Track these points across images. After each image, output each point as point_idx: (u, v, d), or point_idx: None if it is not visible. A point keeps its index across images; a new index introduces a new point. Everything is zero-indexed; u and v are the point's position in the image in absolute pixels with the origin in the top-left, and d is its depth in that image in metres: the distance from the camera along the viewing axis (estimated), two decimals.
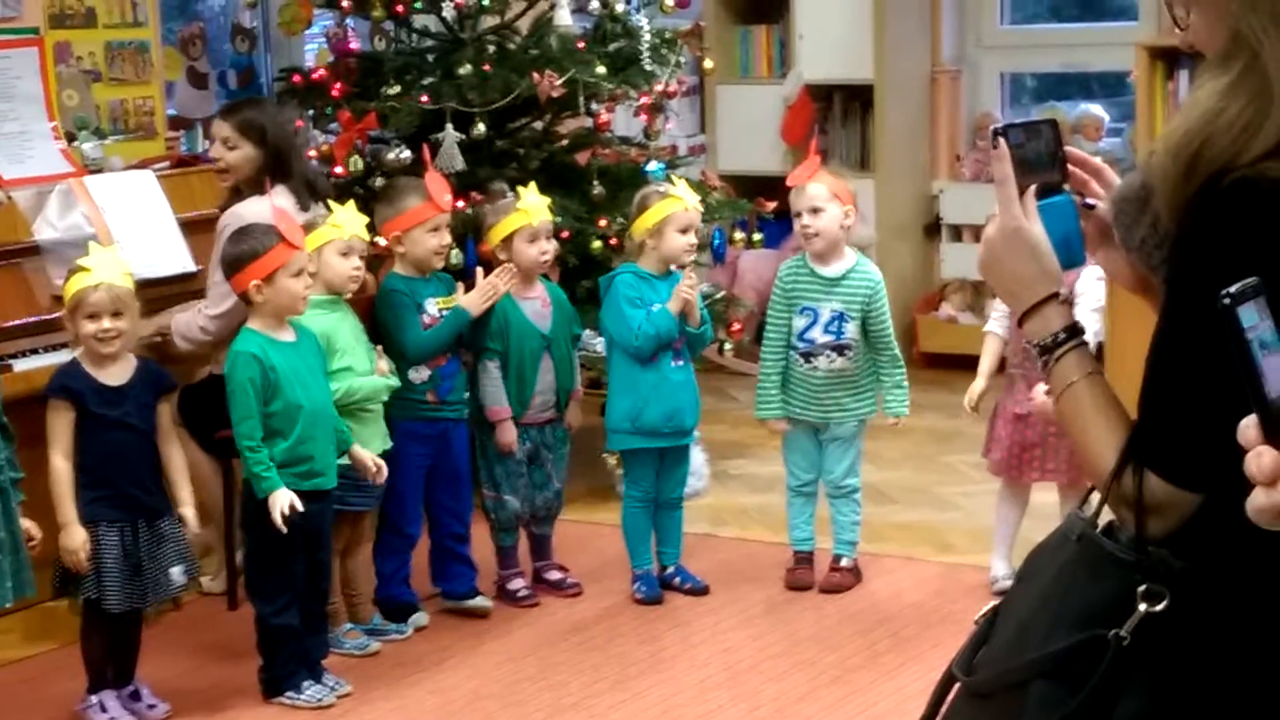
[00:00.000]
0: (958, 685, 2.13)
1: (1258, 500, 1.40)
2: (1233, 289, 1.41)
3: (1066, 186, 2.18)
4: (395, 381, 5.20)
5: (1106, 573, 1.93)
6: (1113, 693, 1.89)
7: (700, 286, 5.65)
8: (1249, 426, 1.40)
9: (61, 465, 4.62)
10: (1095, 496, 2.01)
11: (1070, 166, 2.22)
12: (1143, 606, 1.88)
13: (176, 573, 4.76)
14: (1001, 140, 2.12)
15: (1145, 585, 1.89)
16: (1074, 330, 2.05)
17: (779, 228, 7.96)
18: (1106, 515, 1.99)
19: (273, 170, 5.49)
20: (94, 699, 4.76)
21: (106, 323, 4.64)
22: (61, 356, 5.08)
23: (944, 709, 2.16)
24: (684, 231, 5.53)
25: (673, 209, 5.51)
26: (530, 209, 5.54)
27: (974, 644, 2.13)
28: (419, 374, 5.37)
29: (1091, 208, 2.20)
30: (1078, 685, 1.90)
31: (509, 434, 5.47)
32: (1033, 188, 2.11)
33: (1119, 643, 1.88)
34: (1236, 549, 1.78)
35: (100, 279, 4.64)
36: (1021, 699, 1.95)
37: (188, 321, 5.48)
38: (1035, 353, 2.07)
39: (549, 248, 5.58)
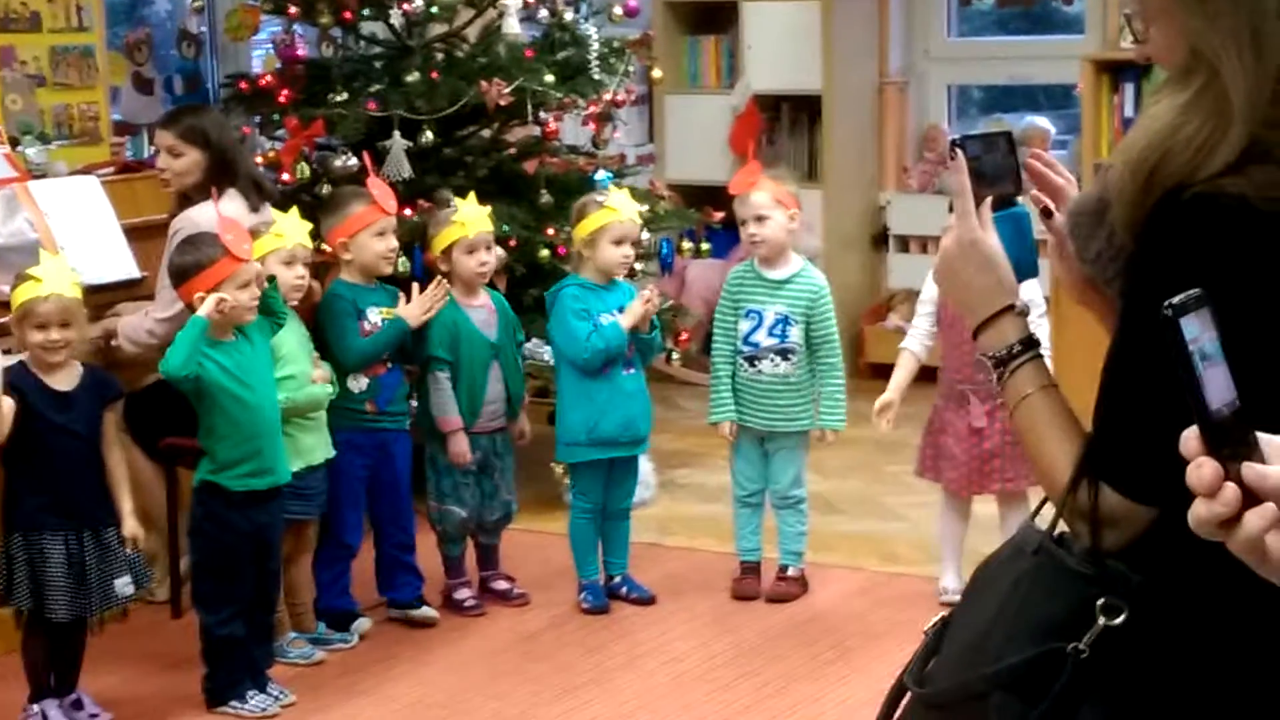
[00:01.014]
0: (909, 696, 2.12)
1: (1198, 511, 1.40)
2: (1175, 300, 1.41)
3: (1021, 199, 2.18)
4: (331, 390, 5.18)
5: (1064, 586, 1.93)
6: (1072, 705, 1.89)
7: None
8: (1190, 438, 1.41)
9: None
10: (1049, 509, 2.01)
11: (1042, 170, 2.23)
12: (1101, 620, 1.88)
13: (121, 583, 4.72)
14: (959, 152, 2.12)
15: (1103, 599, 1.89)
16: (1030, 343, 2.05)
17: (727, 237, 7.97)
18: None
19: (219, 173, 5.46)
20: (35, 708, 4.72)
21: (54, 333, 4.60)
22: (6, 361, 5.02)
23: (896, 719, 2.15)
24: (619, 243, 5.51)
25: (607, 220, 5.50)
26: (467, 220, 5.53)
27: (924, 654, 2.13)
28: (357, 383, 5.35)
29: (1050, 215, 2.20)
30: (1036, 698, 1.90)
31: (461, 444, 5.45)
32: (989, 199, 2.12)
33: (1078, 656, 1.88)
34: (1193, 563, 1.78)
35: (50, 289, 4.61)
36: (978, 711, 1.94)
37: (134, 325, 5.44)
38: (990, 365, 2.07)
39: (488, 258, 5.55)
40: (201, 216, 5.27)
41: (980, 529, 5.59)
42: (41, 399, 4.62)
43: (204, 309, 4.67)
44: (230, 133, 5.72)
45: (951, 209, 5.62)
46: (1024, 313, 2.09)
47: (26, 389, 4.60)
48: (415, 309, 5.36)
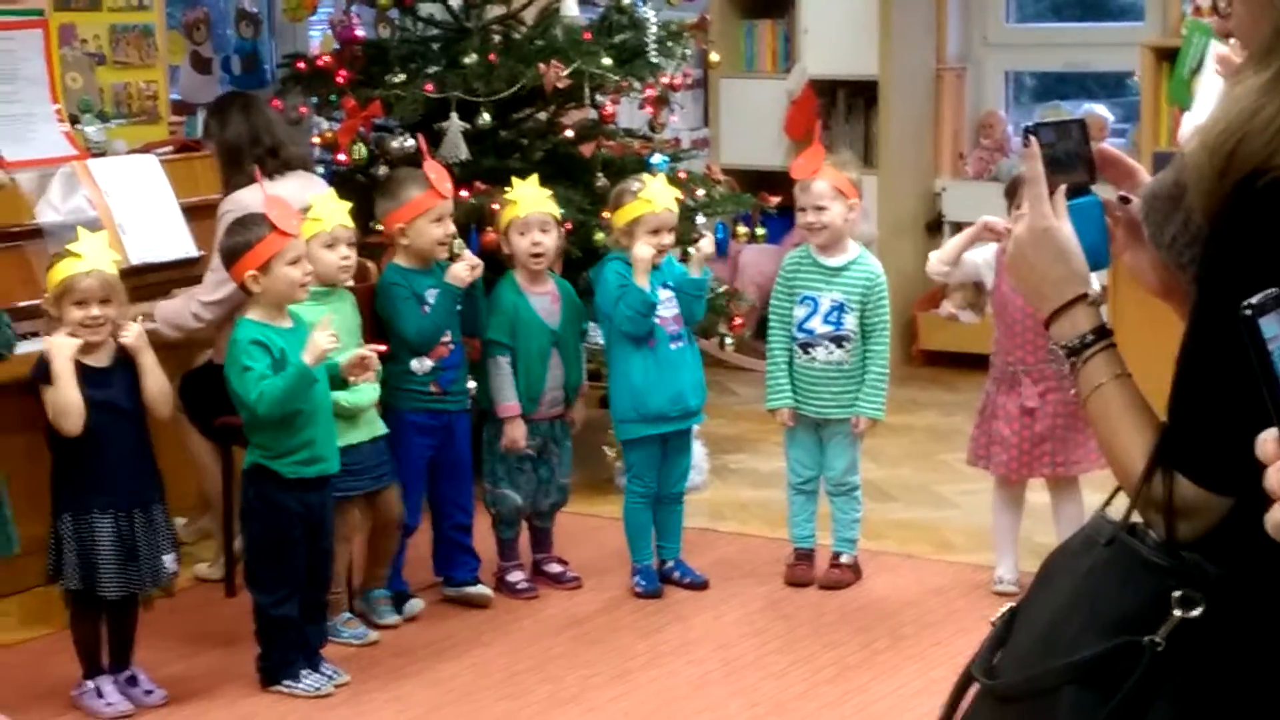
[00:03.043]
0: (976, 687, 2.10)
1: (1277, 517, 1.37)
2: (1254, 300, 1.38)
3: (1094, 188, 2.15)
4: (374, 394, 5.17)
5: (1139, 577, 1.90)
6: (1147, 699, 1.86)
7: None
8: (1268, 440, 1.38)
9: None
10: (1120, 499, 1.98)
11: (1117, 156, 2.20)
12: (1177, 612, 1.85)
13: (169, 560, 4.76)
14: (1033, 139, 2.10)
15: (1179, 591, 1.86)
16: (1102, 332, 2.03)
17: (781, 223, 7.94)
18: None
19: (230, 165, 5.55)
20: (90, 685, 4.74)
21: (95, 309, 4.61)
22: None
23: (962, 710, 2.12)
24: (655, 233, 5.49)
25: (641, 211, 5.49)
26: (519, 199, 5.52)
27: (992, 645, 2.10)
28: (421, 365, 5.35)
29: (1127, 201, 2.17)
30: (1110, 691, 1.87)
31: (518, 430, 5.46)
32: (1062, 188, 2.09)
33: (1154, 649, 1.86)
34: (1271, 555, 1.75)
35: (91, 265, 4.61)
36: (1051, 705, 1.92)
37: (177, 309, 5.45)
38: (1063, 354, 2.04)
39: (542, 239, 5.52)
40: (247, 198, 5.30)
41: (1035, 518, 5.56)
42: (83, 378, 4.62)
43: (310, 357, 4.65)
44: (235, 120, 5.68)
45: (1008, 195, 5.56)
46: (1096, 302, 2.07)
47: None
48: (460, 269, 5.31)
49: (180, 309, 5.43)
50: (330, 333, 4.69)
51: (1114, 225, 2.15)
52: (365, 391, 5.11)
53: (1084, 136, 2.16)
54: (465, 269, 5.33)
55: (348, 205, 5.22)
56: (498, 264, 5.65)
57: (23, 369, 5.00)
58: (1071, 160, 2.13)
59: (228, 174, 5.59)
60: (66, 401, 4.54)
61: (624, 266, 5.48)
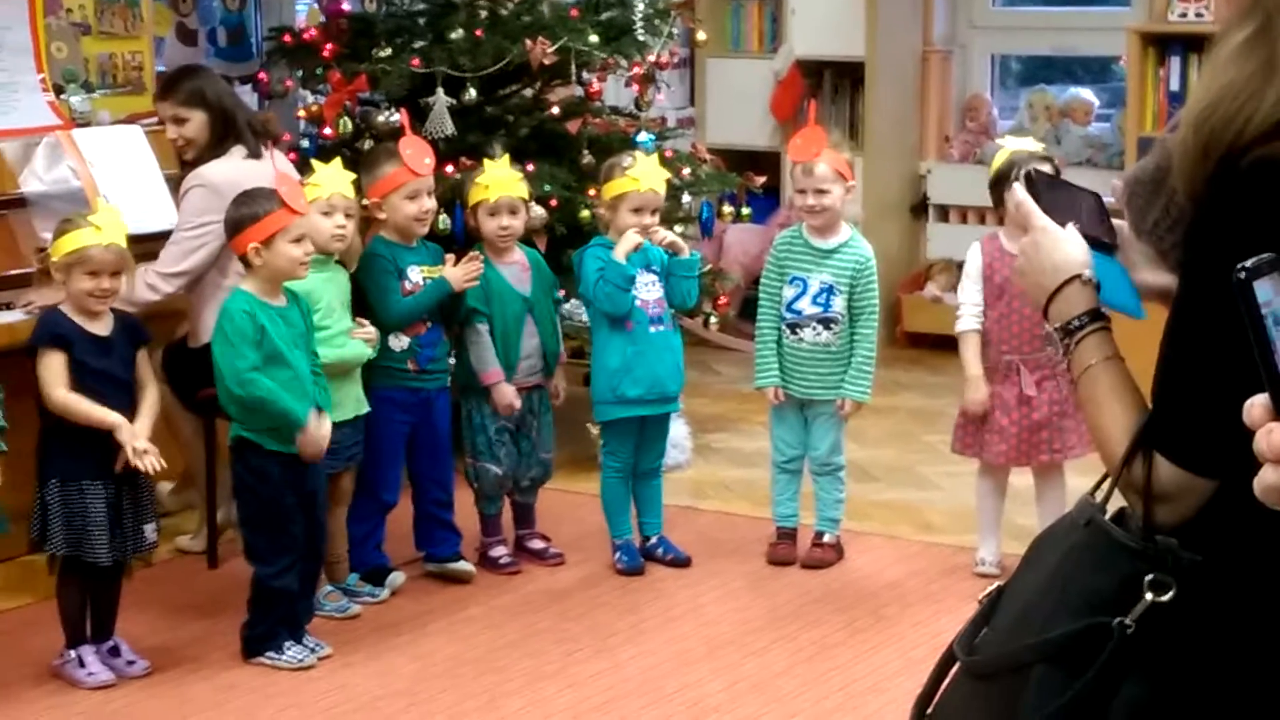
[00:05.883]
0: (957, 665, 2.11)
1: (1267, 479, 1.38)
2: (1248, 263, 1.39)
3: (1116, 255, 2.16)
4: (372, 350, 5.17)
5: (1113, 560, 1.91)
6: (1114, 680, 1.87)
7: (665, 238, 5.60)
8: (1256, 405, 1.38)
9: (67, 395, 4.58)
10: (1107, 482, 1.99)
11: None
12: (1149, 596, 1.86)
13: (149, 530, 4.77)
14: (1022, 175, 2.13)
15: (1152, 575, 1.87)
16: (1095, 314, 2.03)
17: (767, 202, 7.95)
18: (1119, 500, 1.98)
19: (223, 128, 5.49)
20: (72, 654, 4.74)
21: (106, 282, 4.65)
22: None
23: (944, 687, 2.14)
24: (637, 211, 5.49)
25: (627, 189, 5.49)
26: (490, 183, 5.50)
27: (976, 624, 2.11)
28: (399, 341, 5.35)
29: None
30: (1079, 671, 1.88)
31: (506, 394, 5.46)
32: (1074, 224, 2.10)
33: (1123, 631, 1.86)
34: (1246, 540, 1.76)
35: (109, 238, 4.65)
36: (1023, 682, 1.93)
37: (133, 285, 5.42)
38: (1057, 336, 2.04)
39: (510, 222, 5.51)
40: (213, 172, 5.32)
41: (1015, 500, 5.57)
42: (83, 345, 4.65)
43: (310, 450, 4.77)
44: (223, 87, 5.68)
45: (992, 188, 5.49)
46: (1091, 283, 2.07)
47: (71, 337, 4.64)
48: (459, 273, 5.34)
49: (136, 280, 5.37)
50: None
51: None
52: (354, 347, 5.10)
53: (1099, 205, 2.17)
54: (464, 276, 5.32)
55: (350, 176, 5.22)
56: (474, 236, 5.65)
57: (14, 336, 5.01)
58: (1072, 208, 2.14)
59: (217, 141, 5.51)
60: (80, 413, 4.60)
61: (604, 252, 5.48)
